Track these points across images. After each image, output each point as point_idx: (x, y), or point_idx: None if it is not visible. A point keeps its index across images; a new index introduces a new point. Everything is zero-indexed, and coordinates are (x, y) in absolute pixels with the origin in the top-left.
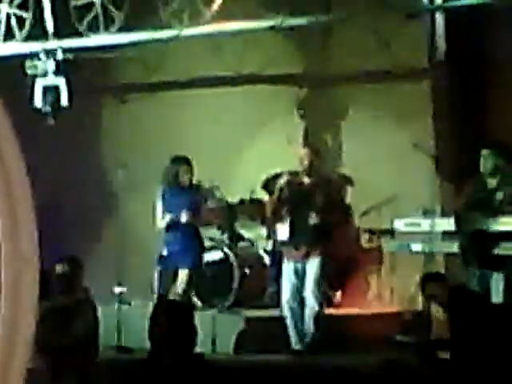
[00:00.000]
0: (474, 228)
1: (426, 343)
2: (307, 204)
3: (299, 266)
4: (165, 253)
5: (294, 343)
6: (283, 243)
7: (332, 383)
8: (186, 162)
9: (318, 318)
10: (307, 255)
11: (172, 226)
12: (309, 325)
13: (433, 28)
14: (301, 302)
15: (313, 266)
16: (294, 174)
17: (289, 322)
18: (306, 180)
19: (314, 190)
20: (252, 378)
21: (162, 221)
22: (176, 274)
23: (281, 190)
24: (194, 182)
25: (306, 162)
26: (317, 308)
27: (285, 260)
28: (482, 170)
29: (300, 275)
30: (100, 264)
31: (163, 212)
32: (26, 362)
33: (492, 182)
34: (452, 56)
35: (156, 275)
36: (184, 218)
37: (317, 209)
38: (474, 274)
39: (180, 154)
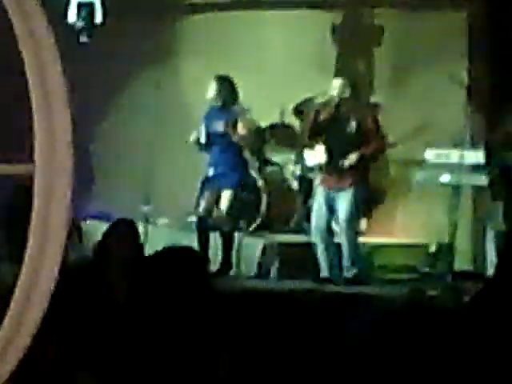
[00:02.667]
0: (504, 163)
1: (450, 275)
2: (342, 133)
3: (331, 194)
4: (210, 173)
5: (322, 270)
6: (316, 168)
7: (356, 312)
8: (216, 78)
9: (352, 251)
10: (341, 185)
11: (215, 145)
12: (345, 258)
13: None
14: (329, 230)
15: (347, 197)
16: (328, 98)
17: (319, 249)
18: (341, 107)
19: (348, 118)
20: (275, 303)
21: (201, 137)
22: (219, 195)
23: (317, 111)
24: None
25: (338, 92)
26: (350, 243)
27: (318, 187)
28: None
29: (331, 204)
30: (127, 182)
31: (205, 131)
32: (54, 277)
33: None
34: None
35: (197, 194)
36: (221, 127)
37: (352, 138)
38: (499, 207)
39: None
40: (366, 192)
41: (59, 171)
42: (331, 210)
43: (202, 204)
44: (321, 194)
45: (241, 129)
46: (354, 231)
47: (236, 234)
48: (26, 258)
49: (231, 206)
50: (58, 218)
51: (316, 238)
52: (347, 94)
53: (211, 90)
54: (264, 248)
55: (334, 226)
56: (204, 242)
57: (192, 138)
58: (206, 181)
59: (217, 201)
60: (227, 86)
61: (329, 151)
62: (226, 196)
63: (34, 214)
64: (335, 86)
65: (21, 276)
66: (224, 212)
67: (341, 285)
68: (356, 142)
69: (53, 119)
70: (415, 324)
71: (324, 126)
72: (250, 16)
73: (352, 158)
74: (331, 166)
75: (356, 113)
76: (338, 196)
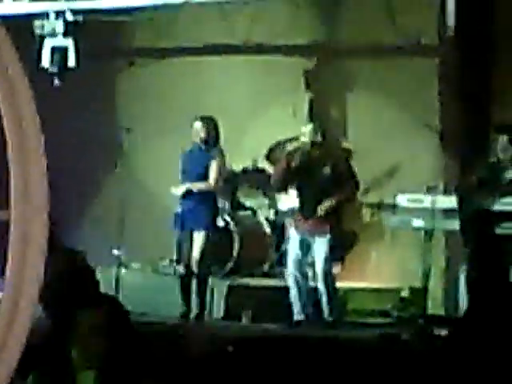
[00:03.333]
0: (476, 207)
1: (422, 319)
2: (315, 177)
3: (306, 239)
4: (179, 210)
5: (296, 314)
6: (290, 212)
7: (328, 355)
8: (199, 119)
9: (331, 300)
10: (316, 230)
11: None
12: (322, 304)
13: (442, 4)
14: (304, 274)
15: (322, 242)
16: (299, 144)
17: (293, 293)
18: (314, 152)
19: (322, 162)
20: (246, 346)
21: (178, 188)
22: (191, 237)
23: (289, 157)
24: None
25: (310, 137)
26: (326, 288)
27: (291, 231)
28: (496, 151)
29: (305, 249)
30: (100, 226)
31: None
32: (32, 314)
33: (504, 163)
34: (461, 33)
35: (175, 238)
36: (199, 169)
37: (326, 183)
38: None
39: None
40: (339, 236)
41: (35, 217)
42: (306, 254)
43: (184, 251)
44: (295, 239)
45: (213, 172)
46: (331, 277)
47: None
48: (2, 304)
49: (204, 250)
50: (34, 263)
51: (291, 282)
52: (318, 138)
53: (194, 129)
54: (231, 291)
55: (308, 269)
56: (187, 289)
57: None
58: (177, 218)
59: (190, 243)
60: (210, 127)
61: (301, 196)
62: (198, 239)
63: (10, 259)
64: (306, 132)
65: None
66: (197, 256)
67: (316, 328)
68: (330, 187)
69: (29, 166)
70: (388, 367)
71: (297, 171)
72: (221, 61)
73: (327, 205)
74: (305, 212)
75: (329, 157)
76: (314, 241)
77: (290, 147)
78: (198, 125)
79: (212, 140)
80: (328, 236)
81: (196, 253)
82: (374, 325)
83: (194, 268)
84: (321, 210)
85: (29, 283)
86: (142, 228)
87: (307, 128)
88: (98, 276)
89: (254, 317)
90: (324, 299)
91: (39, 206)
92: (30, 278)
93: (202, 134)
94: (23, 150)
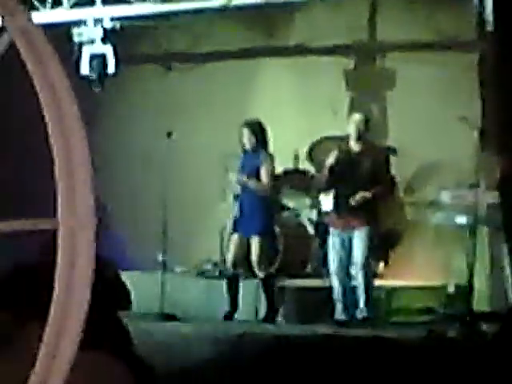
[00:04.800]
0: None
1: (469, 316)
2: (354, 173)
3: (345, 236)
4: (236, 216)
5: (339, 314)
6: (328, 213)
7: (374, 354)
8: (246, 125)
9: (368, 292)
10: (353, 226)
11: (243, 190)
12: (359, 299)
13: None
14: (347, 273)
15: (360, 237)
16: (342, 141)
17: (336, 292)
18: (355, 147)
19: (362, 158)
20: (291, 348)
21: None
22: (244, 241)
23: (331, 166)
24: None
25: (355, 129)
26: (364, 284)
27: (330, 230)
28: None
29: (346, 246)
30: (145, 232)
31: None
32: (81, 323)
33: None
34: (500, 27)
35: (219, 241)
36: (241, 181)
37: (363, 179)
38: None
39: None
40: (377, 233)
41: (82, 225)
42: (347, 251)
43: (232, 252)
44: (334, 237)
45: (263, 176)
46: (368, 272)
47: (254, 281)
48: (51, 315)
49: (261, 253)
50: (83, 273)
51: (333, 280)
52: (364, 129)
53: (244, 137)
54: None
55: (350, 268)
56: (235, 289)
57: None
58: (234, 224)
59: (247, 247)
60: (256, 132)
61: (338, 193)
62: (255, 242)
63: (58, 270)
64: (354, 120)
65: (45, 333)
66: (256, 259)
67: (356, 327)
68: (367, 182)
69: (74, 174)
70: (436, 365)
71: (338, 172)
72: (262, 63)
73: (360, 196)
74: (340, 208)
75: (369, 153)
76: (352, 237)
77: (333, 155)
78: (245, 130)
79: (261, 144)
80: (365, 230)
81: (255, 256)
82: (420, 323)
83: (257, 270)
84: (354, 200)
85: (79, 291)
86: (185, 231)
87: (355, 117)
88: (144, 281)
89: (300, 317)
90: (360, 296)
91: (85, 220)
92: (78, 294)
93: (251, 139)
94: (70, 164)
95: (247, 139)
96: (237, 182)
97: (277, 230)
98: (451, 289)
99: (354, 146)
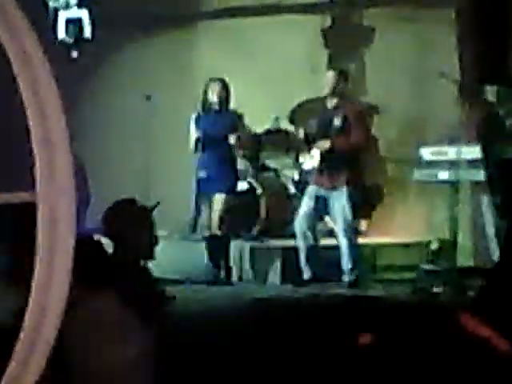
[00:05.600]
0: (500, 156)
1: (453, 271)
2: (328, 129)
3: (322, 193)
4: (202, 175)
5: (305, 273)
6: (309, 171)
7: (360, 312)
8: (218, 80)
9: (353, 254)
10: (334, 183)
11: (207, 148)
12: (344, 261)
13: None
14: (314, 230)
15: (341, 198)
16: (318, 100)
17: (301, 249)
18: (329, 104)
19: (335, 113)
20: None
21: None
22: (210, 199)
23: (311, 115)
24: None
25: (331, 85)
26: (347, 246)
27: (309, 185)
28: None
29: (320, 203)
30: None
31: (196, 132)
32: (64, 291)
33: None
34: None
35: (192, 200)
36: (232, 139)
37: (333, 132)
38: (498, 201)
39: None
40: (359, 192)
41: (62, 193)
42: (320, 209)
43: (214, 213)
44: (310, 193)
45: (240, 130)
46: (353, 232)
47: (236, 242)
48: (34, 283)
49: (226, 211)
50: (64, 242)
51: (298, 236)
52: (340, 86)
53: (212, 92)
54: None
55: (331, 226)
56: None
57: (192, 140)
58: (200, 184)
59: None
60: (226, 90)
61: (320, 152)
62: (218, 200)
63: (40, 239)
64: (328, 80)
65: (30, 301)
66: (217, 216)
67: (337, 287)
68: (337, 136)
69: (51, 141)
70: (422, 323)
71: (315, 123)
72: (238, 23)
73: (326, 142)
74: (321, 165)
75: (343, 107)
76: (332, 196)
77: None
78: (215, 85)
79: (225, 101)
80: (344, 188)
81: (216, 216)
82: (405, 280)
83: (216, 231)
84: (319, 145)
85: (60, 264)
86: (168, 196)
87: (328, 74)
88: None
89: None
90: (345, 256)
91: (65, 187)
92: (61, 258)
93: (222, 94)
94: (46, 131)
95: (217, 94)
96: (219, 134)
97: (258, 190)
98: (435, 245)
99: (329, 102)
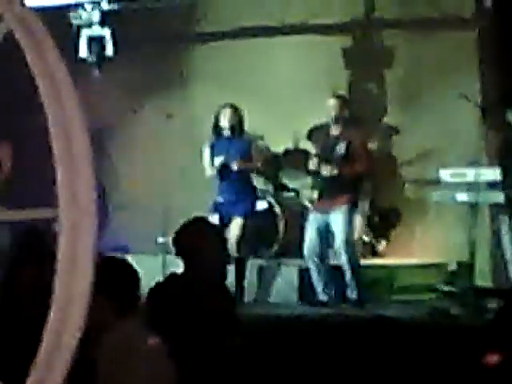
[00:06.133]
0: None
1: (471, 293)
2: (332, 157)
3: (322, 217)
4: (220, 200)
5: (319, 294)
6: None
7: (378, 333)
8: (229, 106)
9: (354, 271)
10: (330, 208)
11: (224, 174)
12: (348, 280)
13: None
14: (322, 253)
15: (338, 215)
16: (322, 127)
17: (313, 275)
18: (334, 132)
19: (339, 141)
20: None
21: (211, 168)
22: (228, 223)
23: (323, 137)
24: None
25: (333, 112)
26: (347, 263)
27: (311, 212)
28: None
29: (323, 227)
30: (145, 213)
31: (211, 159)
32: (83, 315)
33: None
34: (499, 5)
35: None
36: (235, 166)
37: (336, 159)
38: None
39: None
40: (378, 213)
41: (83, 212)
42: (324, 234)
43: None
44: (311, 221)
45: (254, 156)
46: (353, 251)
47: (252, 261)
48: (54, 300)
49: (242, 234)
50: (85, 257)
51: (310, 265)
52: (344, 113)
53: (224, 117)
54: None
55: (335, 248)
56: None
57: (209, 172)
58: (216, 207)
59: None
60: (237, 115)
61: (317, 176)
62: (236, 224)
63: (60, 255)
64: (328, 106)
65: (50, 314)
66: (233, 240)
67: (337, 307)
68: (342, 165)
69: (74, 161)
70: (439, 343)
71: (321, 153)
72: (259, 43)
73: (327, 169)
74: (322, 191)
75: (347, 134)
76: (331, 218)
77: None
78: (228, 111)
79: (238, 127)
80: (344, 209)
81: (233, 238)
82: (423, 301)
83: (234, 254)
84: (323, 171)
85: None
86: (186, 214)
87: (329, 102)
88: (145, 264)
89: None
90: (347, 275)
91: (87, 209)
92: (80, 285)
93: (233, 121)
94: (70, 150)
95: (228, 120)
96: (233, 161)
97: (277, 209)
98: (453, 266)
99: (334, 130)
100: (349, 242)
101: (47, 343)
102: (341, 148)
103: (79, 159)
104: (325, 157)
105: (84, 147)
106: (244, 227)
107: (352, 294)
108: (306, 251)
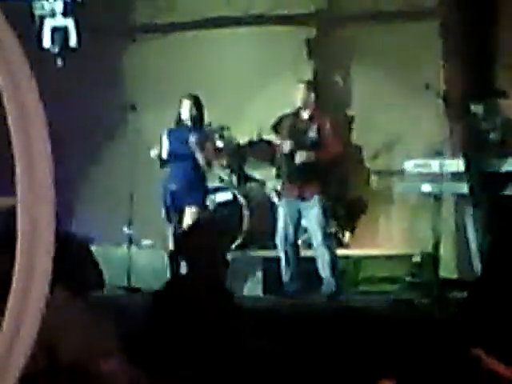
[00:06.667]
0: (483, 169)
1: (435, 284)
2: (303, 140)
3: (295, 203)
4: (172, 188)
5: (285, 285)
6: (280, 180)
7: (343, 323)
8: (188, 97)
9: (334, 264)
10: (303, 195)
11: (177, 162)
12: (324, 272)
13: None
14: (294, 242)
15: (312, 206)
16: (293, 114)
17: (282, 263)
18: (304, 115)
19: (309, 125)
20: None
21: (162, 152)
22: (182, 212)
23: (287, 126)
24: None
25: (301, 98)
26: (327, 256)
27: (282, 197)
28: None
29: (294, 214)
30: (111, 206)
31: (168, 147)
32: (41, 307)
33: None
34: None
35: (163, 212)
36: (189, 146)
37: (308, 143)
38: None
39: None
40: (343, 204)
41: (41, 200)
42: (296, 220)
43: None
44: (283, 207)
45: (210, 146)
46: (332, 242)
47: None
48: (14, 283)
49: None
50: (43, 245)
51: (280, 252)
52: (312, 98)
53: (184, 108)
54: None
55: (303, 238)
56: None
57: (153, 153)
58: (169, 196)
59: (180, 218)
60: (197, 106)
61: (288, 161)
62: (191, 213)
63: (19, 243)
64: (298, 93)
65: (9, 301)
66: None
67: (304, 298)
68: (315, 147)
69: (32, 149)
70: (401, 333)
71: (289, 135)
72: (223, 33)
73: (303, 154)
74: (290, 174)
75: (316, 118)
76: (304, 206)
77: (286, 122)
78: (187, 102)
79: (197, 117)
80: (317, 198)
81: (187, 224)
82: (387, 292)
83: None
84: (299, 157)
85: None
86: (151, 204)
87: (297, 87)
88: (110, 255)
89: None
90: (326, 268)
91: (45, 195)
92: (40, 268)
93: (192, 111)
94: (27, 137)
95: (188, 111)
96: (188, 150)
97: (241, 201)
98: (418, 257)
99: (304, 114)
100: (329, 238)
101: (4, 338)
102: (313, 131)
103: (37, 152)
104: (297, 142)
105: (41, 136)
106: (198, 216)
107: (328, 288)
108: (277, 240)
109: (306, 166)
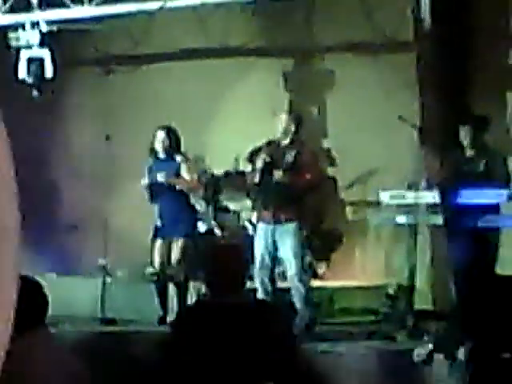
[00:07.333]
0: (457, 200)
1: (410, 315)
2: (278, 164)
3: (270, 231)
4: (159, 224)
5: None
6: (255, 205)
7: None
8: (161, 128)
9: (308, 297)
10: (278, 217)
11: (161, 196)
12: (299, 304)
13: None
14: (271, 273)
15: (288, 234)
16: (273, 142)
17: (259, 294)
18: (283, 142)
19: (287, 150)
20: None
21: (146, 188)
22: (170, 246)
23: (265, 156)
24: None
25: (284, 127)
26: (303, 290)
27: (258, 223)
28: (462, 142)
29: (271, 244)
30: (86, 236)
31: (148, 181)
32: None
33: (471, 154)
34: (437, 27)
35: (152, 247)
36: (160, 178)
37: (285, 167)
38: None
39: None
40: (318, 235)
41: (5, 232)
42: (274, 251)
43: (156, 257)
44: (260, 233)
45: (186, 177)
46: (305, 274)
47: (192, 283)
48: None
49: (183, 255)
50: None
51: (256, 281)
52: (293, 128)
53: (158, 141)
54: None
55: (279, 271)
56: (163, 293)
57: (143, 182)
58: (157, 231)
59: (169, 251)
60: (170, 137)
61: (264, 186)
62: (177, 246)
63: None
64: (282, 123)
65: None
66: (175, 262)
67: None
68: (291, 171)
69: None
70: (377, 365)
71: (264, 166)
72: (199, 64)
73: (279, 174)
74: (265, 199)
75: (296, 145)
76: (280, 233)
77: (262, 155)
78: (161, 134)
79: (171, 149)
80: (291, 226)
81: (175, 259)
82: (362, 323)
83: (173, 273)
84: (276, 176)
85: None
86: (127, 236)
87: (282, 117)
88: (85, 286)
89: None
90: (299, 299)
91: (8, 223)
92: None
93: (165, 143)
94: None
95: (161, 143)
96: (165, 181)
97: (217, 231)
98: (393, 289)
99: (283, 141)
100: (303, 270)
101: None
102: (291, 155)
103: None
104: (274, 163)
105: (5, 164)
106: (185, 248)
107: (302, 320)
108: (254, 271)
109: (280, 191)
